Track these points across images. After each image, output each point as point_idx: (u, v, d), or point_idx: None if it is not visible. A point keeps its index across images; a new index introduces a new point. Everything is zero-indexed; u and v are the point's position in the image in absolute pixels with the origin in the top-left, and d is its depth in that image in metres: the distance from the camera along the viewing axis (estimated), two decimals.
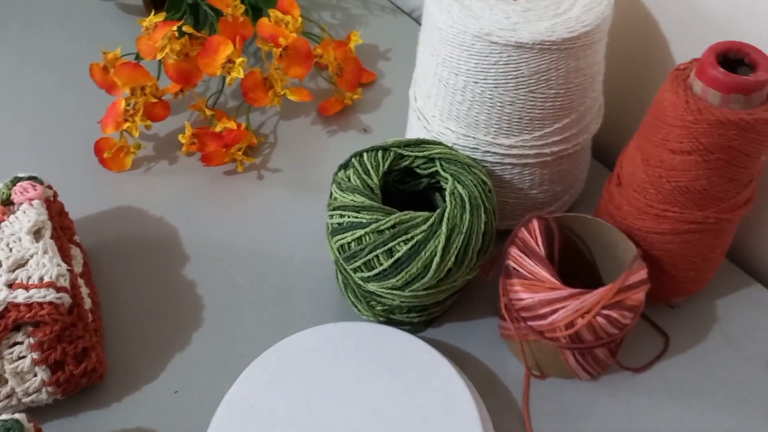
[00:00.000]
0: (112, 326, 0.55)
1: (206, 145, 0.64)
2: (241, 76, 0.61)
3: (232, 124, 0.64)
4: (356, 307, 0.54)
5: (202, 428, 0.48)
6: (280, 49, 0.63)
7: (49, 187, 0.55)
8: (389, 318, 0.54)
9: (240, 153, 0.64)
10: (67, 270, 0.48)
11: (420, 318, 0.54)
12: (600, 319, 0.45)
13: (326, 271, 0.58)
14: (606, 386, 0.52)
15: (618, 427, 0.50)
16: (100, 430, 0.50)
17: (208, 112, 0.67)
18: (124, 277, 0.58)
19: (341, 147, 0.69)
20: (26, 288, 0.47)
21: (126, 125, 0.63)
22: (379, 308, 0.53)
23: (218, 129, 0.64)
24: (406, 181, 0.54)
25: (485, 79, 0.49)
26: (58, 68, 0.78)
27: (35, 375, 0.47)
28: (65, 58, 0.79)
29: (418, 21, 0.85)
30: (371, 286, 0.49)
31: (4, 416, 0.43)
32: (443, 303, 0.53)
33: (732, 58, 0.43)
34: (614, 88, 0.62)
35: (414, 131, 0.59)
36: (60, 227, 0.53)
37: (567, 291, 0.46)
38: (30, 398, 0.48)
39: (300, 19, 0.66)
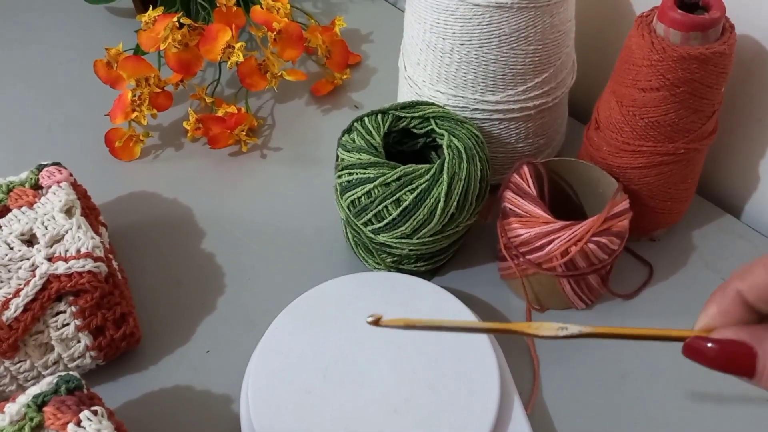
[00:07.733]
0: (140, 299, 0.58)
1: (210, 129, 0.68)
2: (241, 59, 0.65)
3: (232, 109, 0.69)
4: (367, 261, 0.59)
5: (235, 382, 0.52)
6: (274, 33, 0.67)
7: (70, 174, 0.59)
8: (398, 269, 0.58)
9: (243, 134, 0.68)
10: (101, 242, 0.52)
11: (426, 266, 0.58)
12: (591, 246, 0.50)
13: (333, 232, 0.62)
14: (600, 313, 0.57)
15: (613, 348, 0.54)
16: (141, 391, 0.53)
17: (208, 100, 0.71)
18: (146, 255, 0.61)
19: (336, 123, 0.73)
20: (65, 260, 0.50)
21: (134, 115, 0.66)
22: (389, 260, 0.57)
23: (220, 113, 0.68)
24: (404, 142, 0.59)
25: (470, 40, 0.54)
26: (59, 72, 0.81)
27: (79, 341, 0.51)
28: (64, 62, 0.82)
29: (395, 5, 0.90)
30: (381, 238, 0.54)
31: (58, 374, 0.46)
32: (447, 251, 0.58)
33: (687, 2, 0.49)
34: (585, 47, 0.67)
35: (405, 99, 0.63)
36: (86, 208, 0.57)
37: (560, 223, 0.51)
38: (75, 363, 0.51)
39: (289, 6, 0.71)
